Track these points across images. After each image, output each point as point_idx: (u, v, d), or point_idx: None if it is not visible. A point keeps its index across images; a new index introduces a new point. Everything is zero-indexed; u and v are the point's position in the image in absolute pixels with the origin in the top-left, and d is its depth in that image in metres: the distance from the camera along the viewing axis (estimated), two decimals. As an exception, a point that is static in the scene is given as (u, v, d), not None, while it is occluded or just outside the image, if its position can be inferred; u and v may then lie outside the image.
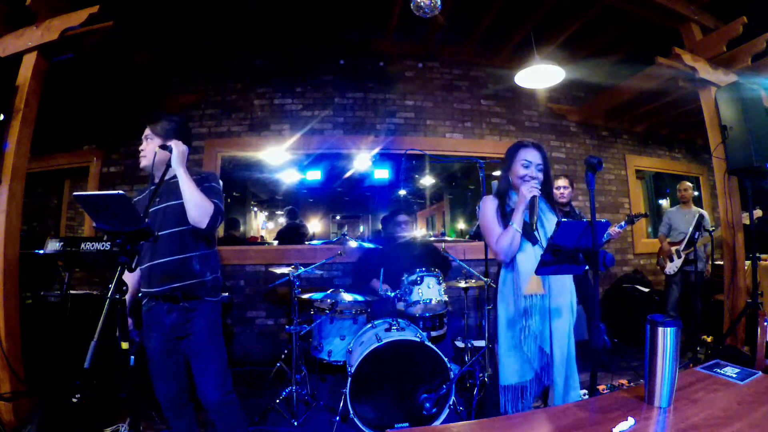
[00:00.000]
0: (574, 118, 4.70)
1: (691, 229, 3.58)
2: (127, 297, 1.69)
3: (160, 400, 1.73)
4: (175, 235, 1.66)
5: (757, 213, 3.01)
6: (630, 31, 3.61)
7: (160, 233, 1.62)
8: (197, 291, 1.69)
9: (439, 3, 2.70)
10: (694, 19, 3.07)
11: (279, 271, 2.75)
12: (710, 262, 3.88)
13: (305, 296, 2.63)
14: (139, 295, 1.78)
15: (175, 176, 1.66)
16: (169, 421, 1.78)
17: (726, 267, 2.98)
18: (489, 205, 1.76)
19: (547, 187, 1.75)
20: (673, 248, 3.87)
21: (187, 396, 1.77)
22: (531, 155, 1.70)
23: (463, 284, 2.79)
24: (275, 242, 5.22)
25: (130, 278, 1.72)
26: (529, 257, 1.65)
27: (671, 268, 3.86)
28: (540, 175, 1.70)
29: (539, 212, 1.71)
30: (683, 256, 3.77)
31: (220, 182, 1.80)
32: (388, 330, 2.35)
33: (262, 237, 8.47)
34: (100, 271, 3.74)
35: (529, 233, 1.66)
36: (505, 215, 1.72)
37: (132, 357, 1.40)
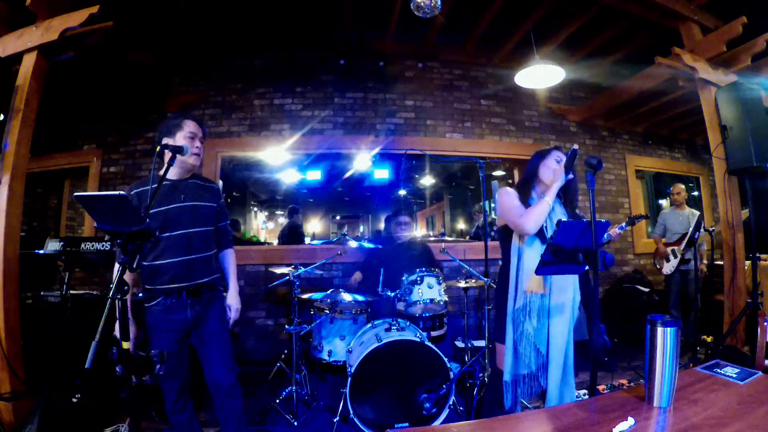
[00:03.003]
0: (574, 118, 4.70)
1: (691, 229, 3.60)
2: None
3: (167, 396, 1.75)
4: (204, 234, 1.81)
5: (744, 213, 3.03)
6: (630, 31, 3.61)
7: (191, 230, 1.75)
8: (216, 284, 1.85)
9: (439, 3, 2.70)
10: (693, 18, 3.07)
11: (279, 271, 2.75)
12: (704, 261, 3.91)
13: (305, 296, 2.63)
14: (140, 295, 1.77)
15: (193, 177, 1.85)
16: (172, 416, 1.79)
17: (726, 267, 2.98)
18: (510, 191, 1.79)
19: (569, 191, 1.79)
20: (669, 249, 3.92)
21: (189, 391, 1.82)
22: (563, 156, 1.76)
23: (463, 284, 2.78)
24: (274, 242, 5.18)
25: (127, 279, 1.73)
26: (536, 254, 1.65)
27: (668, 268, 3.92)
28: (569, 175, 1.72)
29: (552, 214, 1.71)
30: (679, 255, 3.80)
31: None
32: (388, 330, 2.35)
33: (255, 237, 8.46)
34: (100, 271, 3.74)
35: (540, 232, 1.67)
36: (524, 204, 1.73)
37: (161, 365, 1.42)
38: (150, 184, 1.76)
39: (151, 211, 1.65)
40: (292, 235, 4.98)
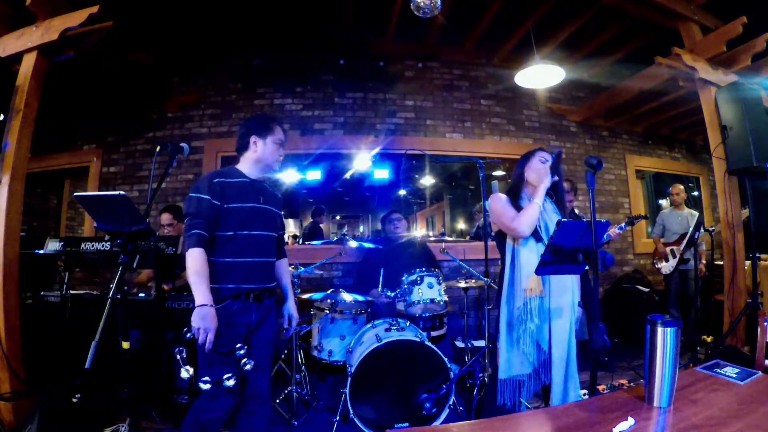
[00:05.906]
0: (574, 118, 4.70)
1: (691, 229, 3.61)
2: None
3: (208, 403, 1.59)
4: (273, 239, 1.79)
5: (744, 213, 3.03)
6: (630, 31, 3.61)
7: (265, 233, 1.72)
8: (275, 290, 1.83)
9: (439, 3, 2.70)
10: (693, 18, 3.07)
11: (279, 271, 2.75)
12: (703, 261, 3.91)
13: (305, 296, 2.63)
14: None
15: (264, 180, 1.82)
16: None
17: (726, 267, 2.98)
18: (501, 197, 1.82)
19: (557, 192, 1.83)
20: (668, 248, 3.92)
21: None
22: (548, 156, 1.81)
23: (463, 284, 2.78)
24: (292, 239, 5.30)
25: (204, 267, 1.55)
26: (532, 255, 1.67)
27: (667, 268, 3.92)
28: (554, 177, 1.75)
29: (545, 213, 1.74)
30: (678, 255, 3.81)
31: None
32: (388, 330, 2.34)
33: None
34: (100, 271, 3.74)
35: (535, 231, 1.70)
36: (516, 207, 1.76)
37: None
38: (232, 177, 1.69)
39: (231, 205, 1.62)
40: (313, 235, 5.10)
